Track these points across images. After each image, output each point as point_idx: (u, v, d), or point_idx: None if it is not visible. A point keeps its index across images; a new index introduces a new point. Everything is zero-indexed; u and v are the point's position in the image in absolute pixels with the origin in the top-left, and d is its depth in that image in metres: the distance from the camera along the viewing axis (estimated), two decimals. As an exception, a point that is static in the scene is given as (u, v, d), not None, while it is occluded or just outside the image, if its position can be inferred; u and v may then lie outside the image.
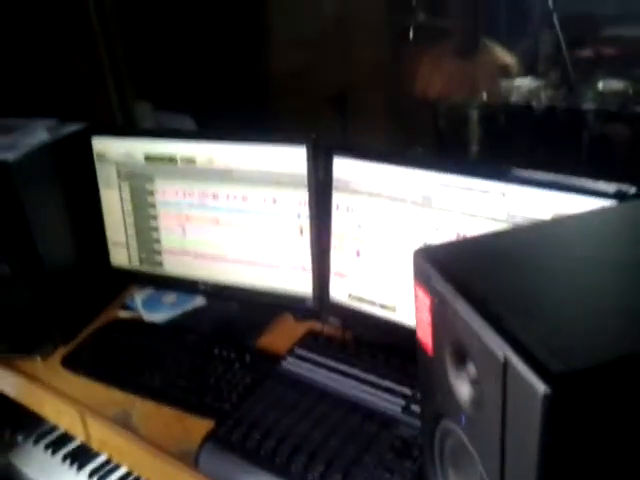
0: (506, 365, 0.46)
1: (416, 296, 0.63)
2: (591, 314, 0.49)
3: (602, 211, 0.69)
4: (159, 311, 1.29)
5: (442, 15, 2.19)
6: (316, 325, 1.16)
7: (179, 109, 1.45)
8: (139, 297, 1.33)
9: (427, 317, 0.61)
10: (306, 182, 1.03)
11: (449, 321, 0.55)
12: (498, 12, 2.26)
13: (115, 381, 1.10)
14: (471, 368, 0.54)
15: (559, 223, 0.69)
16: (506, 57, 2.23)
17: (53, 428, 1.36)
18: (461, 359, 0.55)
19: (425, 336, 0.63)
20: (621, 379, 0.44)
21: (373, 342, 1.09)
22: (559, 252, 0.59)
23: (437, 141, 2.22)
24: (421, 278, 0.61)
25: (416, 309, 0.64)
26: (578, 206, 0.77)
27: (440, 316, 0.58)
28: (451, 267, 0.58)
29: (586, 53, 2.05)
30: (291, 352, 1.05)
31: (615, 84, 1.96)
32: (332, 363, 1.00)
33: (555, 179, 0.80)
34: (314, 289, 1.10)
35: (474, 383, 0.53)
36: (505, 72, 2.22)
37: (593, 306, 0.50)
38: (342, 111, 2.12)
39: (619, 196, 0.75)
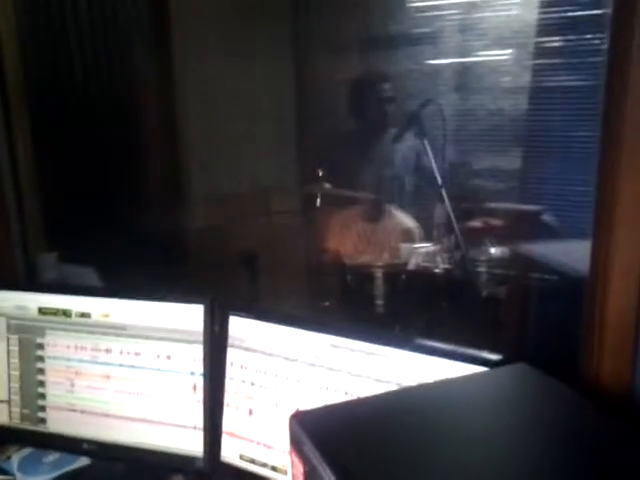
0: (364, 537, 0.47)
1: (292, 462, 0.64)
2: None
3: (468, 378, 0.75)
4: (36, 473, 1.19)
5: (345, 187, 2.41)
6: (206, 488, 1.11)
7: (84, 262, 1.47)
8: (16, 458, 1.23)
9: (301, 484, 0.61)
10: (202, 339, 1.05)
11: (319, 489, 0.56)
12: (401, 183, 2.52)
13: None
14: (338, 539, 0.54)
15: (430, 389, 0.73)
16: (409, 222, 2.44)
17: None
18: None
19: (300, 504, 0.63)
20: None
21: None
22: (427, 419, 0.63)
23: (345, 297, 2.32)
24: (295, 444, 0.62)
25: (292, 476, 0.64)
26: (457, 370, 0.82)
27: (312, 484, 0.59)
28: (322, 434, 0.60)
29: (476, 223, 2.29)
30: (174, 521, 0.99)
31: (502, 251, 2.17)
32: (216, 533, 0.95)
33: (431, 345, 0.86)
34: (205, 449, 1.07)
35: None
36: (408, 236, 2.41)
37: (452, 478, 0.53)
38: (252, 269, 2.20)
39: (488, 363, 0.81)
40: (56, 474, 1.20)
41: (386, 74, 2.53)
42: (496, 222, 2.27)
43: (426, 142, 2.20)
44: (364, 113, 2.52)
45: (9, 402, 1.19)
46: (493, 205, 2.36)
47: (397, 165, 2.52)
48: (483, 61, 2.53)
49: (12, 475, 1.20)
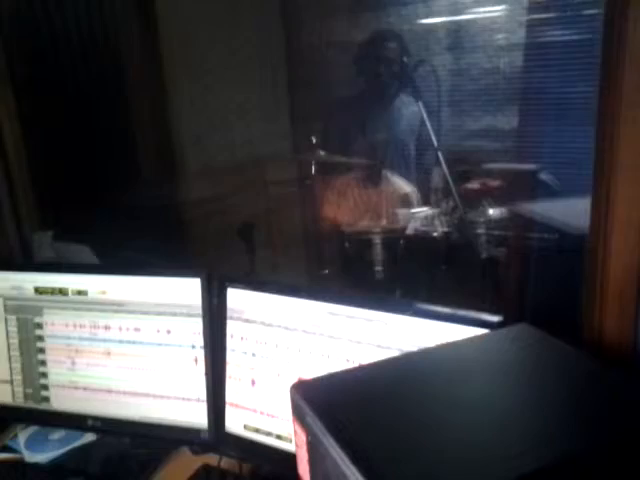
0: (369, 506, 0.47)
1: (295, 432, 0.63)
2: (452, 451, 0.51)
3: (470, 340, 0.74)
4: (43, 450, 1.20)
5: (340, 153, 2.38)
6: (213, 458, 1.12)
7: (79, 239, 1.45)
8: (22, 436, 1.24)
9: (304, 454, 0.61)
10: (200, 312, 1.04)
11: (322, 459, 0.56)
12: (397, 148, 2.49)
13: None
14: (343, 507, 0.54)
15: (431, 353, 0.72)
16: (406, 187, 2.42)
17: None
18: (336, 497, 0.55)
19: (304, 472, 0.63)
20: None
21: (271, 474, 1.06)
22: (429, 384, 0.62)
23: (344, 264, 2.32)
24: (297, 414, 0.62)
25: (296, 445, 0.64)
26: (458, 333, 0.81)
27: (315, 453, 0.58)
28: (324, 403, 0.59)
29: (474, 185, 2.27)
30: (182, 492, 1.00)
31: (500, 212, 2.15)
32: (224, 502, 0.96)
33: (431, 309, 0.85)
34: (209, 421, 1.07)
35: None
36: (405, 201, 2.39)
37: (458, 443, 0.53)
38: (250, 240, 2.18)
39: (489, 325, 0.81)
40: (63, 450, 1.21)
41: (383, 34, 2.45)
42: (493, 183, 2.25)
43: (420, 104, 2.17)
44: (365, 73, 2.44)
45: (11, 382, 1.19)
46: (490, 166, 2.34)
47: (392, 129, 2.48)
48: (476, 18, 2.48)
49: (19, 453, 1.21)
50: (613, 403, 0.58)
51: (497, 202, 2.13)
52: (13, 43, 1.74)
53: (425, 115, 2.14)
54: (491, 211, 2.13)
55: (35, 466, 1.17)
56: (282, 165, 2.61)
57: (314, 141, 2.29)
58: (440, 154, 2.07)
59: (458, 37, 2.53)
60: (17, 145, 1.53)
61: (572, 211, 1.57)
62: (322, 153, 2.33)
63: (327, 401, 0.59)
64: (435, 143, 2.11)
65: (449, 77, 2.56)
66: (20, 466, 1.17)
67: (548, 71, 2.33)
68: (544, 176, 2.18)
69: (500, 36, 2.43)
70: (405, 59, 2.30)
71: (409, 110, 2.42)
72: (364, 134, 2.44)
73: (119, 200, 2.03)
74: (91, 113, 2.09)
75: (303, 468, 0.63)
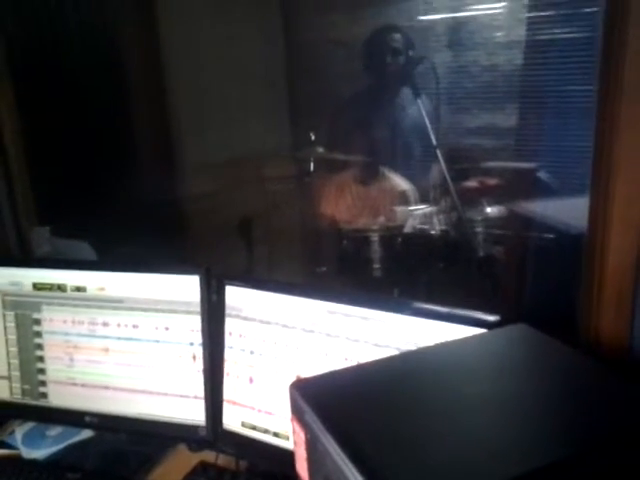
0: (367, 504, 0.47)
1: (293, 430, 0.64)
2: (450, 450, 0.52)
3: (467, 340, 0.74)
4: (40, 446, 1.20)
5: (338, 150, 2.38)
6: (210, 455, 1.12)
7: (77, 236, 1.45)
8: (19, 432, 1.24)
9: (303, 452, 0.61)
10: (199, 309, 1.04)
11: (321, 456, 0.56)
12: (395, 145, 2.48)
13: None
14: (342, 506, 0.54)
15: (429, 352, 0.73)
16: (403, 185, 2.42)
17: None
18: (334, 495, 0.56)
19: (302, 470, 0.63)
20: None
21: (267, 471, 1.06)
22: (427, 383, 0.63)
23: (342, 262, 2.32)
24: (296, 412, 0.62)
25: (294, 443, 0.64)
26: (455, 333, 0.82)
27: (313, 451, 0.59)
28: (323, 401, 0.59)
29: (472, 183, 2.27)
30: (179, 488, 1.00)
31: (498, 210, 2.15)
32: (221, 499, 0.96)
33: (428, 308, 0.86)
34: (207, 418, 1.07)
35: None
36: (403, 198, 2.39)
37: (457, 442, 0.53)
38: (247, 236, 2.19)
39: (486, 324, 0.81)
40: (60, 446, 1.21)
41: (389, 25, 2.42)
42: (492, 181, 2.24)
43: (419, 101, 2.17)
44: (372, 66, 2.41)
45: (9, 378, 1.19)
46: (489, 164, 2.34)
47: (390, 126, 2.48)
48: (476, 15, 2.47)
49: (17, 449, 1.21)
50: (610, 402, 0.58)
51: (495, 200, 2.13)
52: (12, 36, 1.73)
53: (424, 112, 2.14)
54: (489, 209, 2.13)
55: (32, 462, 1.17)
56: (280, 162, 2.61)
57: (313, 138, 2.28)
58: (439, 152, 2.07)
59: (458, 34, 2.53)
60: (16, 140, 1.52)
61: (570, 210, 1.57)
62: (320, 150, 2.32)
63: (326, 399, 0.60)
64: (434, 140, 2.10)
65: (448, 74, 2.56)
66: (17, 462, 1.17)
67: (548, 69, 2.33)
68: (543, 174, 2.18)
69: (500, 34, 2.42)
70: (410, 53, 2.28)
71: (413, 107, 2.41)
72: (367, 131, 2.43)
73: (117, 196, 2.03)
74: (90, 109, 2.09)
75: (301, 466, 0.63)
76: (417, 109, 2.22)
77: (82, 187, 1.95)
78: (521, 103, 2.45)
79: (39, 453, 1.19)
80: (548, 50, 2.31)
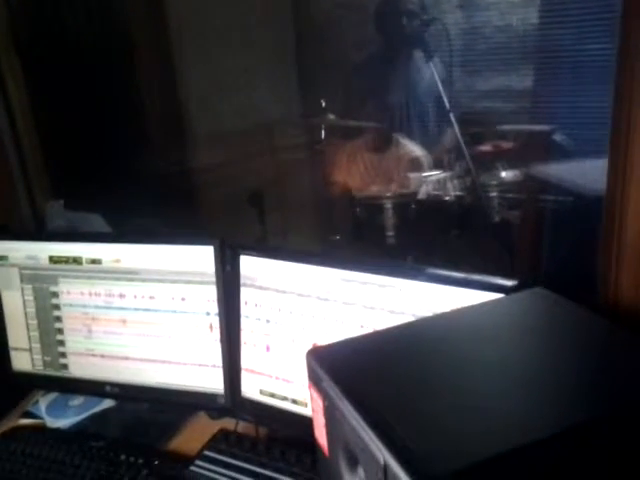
0: (386, 468, 0.47)
1: (311, 397, 0.64)
2: (468, 416, 0.52)
3: (484, 305, 0.74)
4: (64, 416, 1.23)
5: (349, 117, 2.35)
6: (230, 423, 1.14)
7: (90, 208, 1.46)
8: (43, 402, 1.27)
9: (321, 418, 0.62)
10: (214, 279, 1.05)
11: (339, 423, 0.56)
12: (408, 111, 2.44)
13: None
14: (361, 470, 0.54)
15: (445, 319, 0.72)
16: (417, 151, 2.39)
17: None
18: (353, 461, 0.56)
19: (321, 437, 0.64)
20: (494, 477, 0.46)
21: (287, 438, 1.08)
22: (444, 350, 0.62)
23: (355, 230, 2.31)
24: (313, 379, 0.62)
25: (312, 410, 0.65)
26: (472, 298, 0.81)
27: (331, 418, 0.59)
28: (340, 368, 0.59)
29: (486, 147, 2.24)
30: (200, 455, 1.02)
31: (513, 174, 2.13)
32: (241, 464, 0.98)
33: (444, 274, 0.85)
34: (225, 386, 1.09)
35: (365, 485, 0.54)
36: (416, 165, 2.36)
37: (470, 407, 0.53)
38: (260, 206, 2.18)
39: (503, 289, 0.80)
40: (84, 416, 1.23)
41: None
42: (506, 145, 2.21)
43: (432, 64, 2.13)
44: (386, 28, 2.35)
45: (30, 350, 1.21)
46: (503, 127, 2.30)
47: (403, 91, 2.43)
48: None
49: (41, 419, 1.24)
50: (630, 366, 0.58)
51: (510, 164, 2.11)
52: (18, 9, 1.71)
53: (437, 76, 2.10)
54: (504, 174, 2.11)
55: (56, 431, 1.19)
56: (291, 130, 2.58)
57: (323, 105, 2.26)
58: (452, 116, 2.04)
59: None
60: (26, 114, 1.52)
61: (587, 173, 1.54)
62: (332, 117, 2.30)
63: (343, 366, 0.60)
64: (447, 105, 2.07)
65: (461, 36, 2.50)
66: (42, 431, 1.19)
67: (564, 27, 2.27)
68: (558, 137, 2.14)
69: (514, -9, 2.36)
70: (424, 16, 2.23)
71: (426, 71, 2.36)
72: (379, 96, 2.39)
73: (129, 168, 2.03)
74: (100, 81, 2.07)
75: (320, 432, 0.64)
76: (430, 73, 2.19)
77: (94, 160, 1.95)
78: (536, 64, 2.39)
79: (63, 422, 1.21)
80: (565, 8, 2.25)
